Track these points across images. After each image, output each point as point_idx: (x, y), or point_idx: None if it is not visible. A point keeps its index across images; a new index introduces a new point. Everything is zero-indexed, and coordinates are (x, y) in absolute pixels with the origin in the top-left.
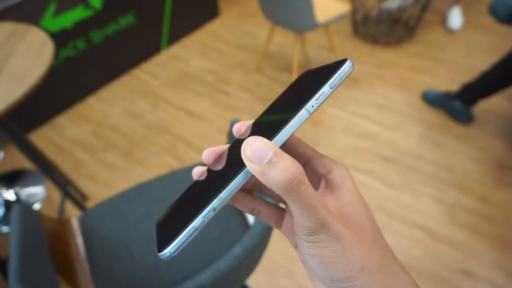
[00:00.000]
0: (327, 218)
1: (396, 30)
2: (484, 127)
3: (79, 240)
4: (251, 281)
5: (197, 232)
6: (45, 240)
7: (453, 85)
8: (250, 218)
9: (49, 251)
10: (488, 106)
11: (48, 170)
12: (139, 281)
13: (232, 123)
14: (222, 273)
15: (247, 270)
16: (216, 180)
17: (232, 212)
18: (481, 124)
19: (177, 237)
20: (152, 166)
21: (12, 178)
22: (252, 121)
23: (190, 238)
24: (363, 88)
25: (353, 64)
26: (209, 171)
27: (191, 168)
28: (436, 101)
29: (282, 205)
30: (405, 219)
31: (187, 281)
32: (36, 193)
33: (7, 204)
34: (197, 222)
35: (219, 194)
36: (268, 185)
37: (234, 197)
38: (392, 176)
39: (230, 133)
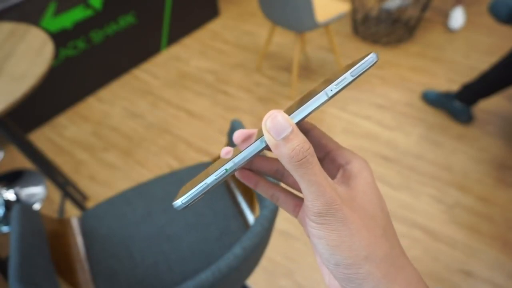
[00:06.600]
0: (334, 199)
1: (396, 30)
2: (484, 127)
3: (79, 240)
4: (251, 281)
5: (208, 188)
6: (45, 240)
7: (453, 85)
8: (250, 219)
9: (49, 251)
10: (488, 106)
11: (48, 170)
12: (139, 281)
13: (232, 123)
14: (222, 273)
15: (247, 270)
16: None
17: (233, 213)
18: (481, 124)
19: (190, 191)
20: (152, 166)
21: (12, 178)
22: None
23: (202, 193)
24: (363, 88)
25: (377, 56)
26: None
27: (191, 168)
28: (436, 101)
29: (300, 194)
30: (405, 219)
31: (187, 281)
32: (36, 193)
33: (7, 204)
34: (209, 179)
35: (234, 158)
36: (279, 157)
37: (256, 182)
38: (392, 176)
39: (230, 133)
